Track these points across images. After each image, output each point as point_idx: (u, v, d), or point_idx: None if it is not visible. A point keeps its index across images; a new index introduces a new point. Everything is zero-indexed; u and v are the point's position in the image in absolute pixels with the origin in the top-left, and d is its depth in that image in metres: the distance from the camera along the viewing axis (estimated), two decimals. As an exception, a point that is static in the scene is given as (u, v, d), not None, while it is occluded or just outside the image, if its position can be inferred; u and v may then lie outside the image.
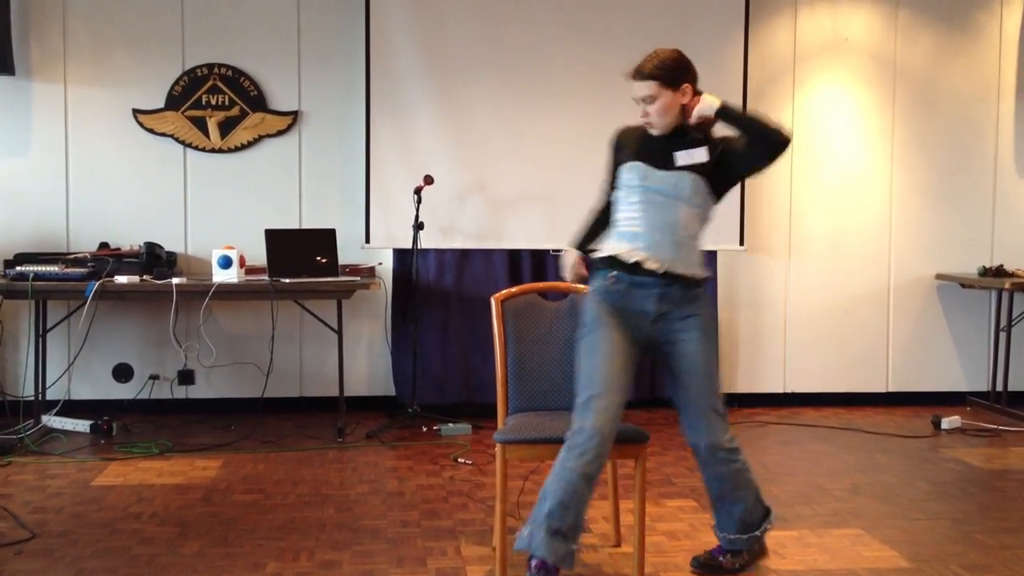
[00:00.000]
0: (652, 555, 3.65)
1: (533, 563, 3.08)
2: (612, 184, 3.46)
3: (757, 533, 3.43)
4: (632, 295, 3.30)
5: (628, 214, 3.33)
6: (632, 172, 3.34)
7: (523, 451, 3.38)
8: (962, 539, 3.90)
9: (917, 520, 4.14)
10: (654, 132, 3.35)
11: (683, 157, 3.30)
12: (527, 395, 3.63)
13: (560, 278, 3.67)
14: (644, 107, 3.32)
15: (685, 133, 3.34)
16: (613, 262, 3.32)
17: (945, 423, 5.89)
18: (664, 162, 3.30)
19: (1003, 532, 3.98)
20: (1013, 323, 6.31)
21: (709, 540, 3.83)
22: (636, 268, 3.28)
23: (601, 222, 3.51)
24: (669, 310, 3.31)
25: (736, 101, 6.27)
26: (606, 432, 3.10)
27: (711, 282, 6.38)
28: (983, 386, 6.69)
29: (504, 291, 3.72)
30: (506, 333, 3.62)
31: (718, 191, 3.36)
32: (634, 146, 3.39)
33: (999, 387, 6.40)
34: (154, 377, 6.10)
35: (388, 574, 3.46)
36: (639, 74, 3.31)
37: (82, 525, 3.97)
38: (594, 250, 3.45)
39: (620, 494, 3.84)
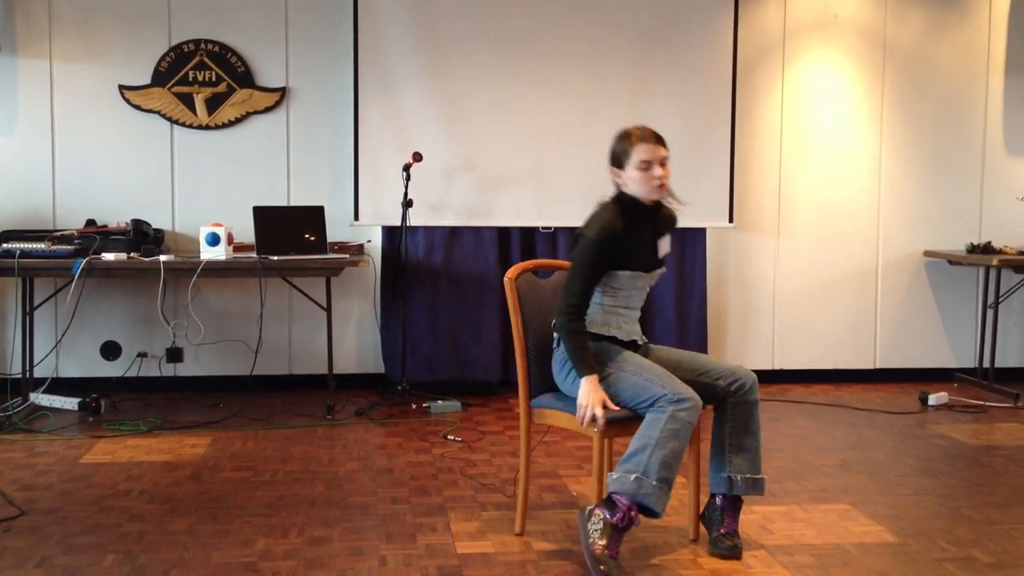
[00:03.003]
0: (641, 530, 3.65)
1: (617, 511, 3.22)
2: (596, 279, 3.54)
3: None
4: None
5: (620, 302, 3.57)
6: (622, 278, 3.51)
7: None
8: (949, 514, 3.92)
9: (904, 496, 4.16)
10: (652, 197, 3.49)
11: (662, 247, 3.60)
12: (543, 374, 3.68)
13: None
14: (658, 170, 3.45)
15: (657, 212, 3.59)
16: (613, 340, 3.55)
17: (932, 399, 5.92)
18: (651, 263, 3.56)
19: (990, 507, 4.01)
20: (1000, 300, 6.33)
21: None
22: (631, 345, 3.60)
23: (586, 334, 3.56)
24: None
25: (726, 78, 6.28)
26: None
27: (699, 260, 6.40)
28: (970, 363, 6.72)
29: (515, 267, 3.68)
30: (522, 311, 3.60)
31: None
32: (626, 254, 3.49)
33: (986, 363, 6.42)
34: (142, 355, 6.08)
35: (378, 550, 3.47)
36: (655, 137, 3.49)
37: (71, 502, 3.97)
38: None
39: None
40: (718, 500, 3.53)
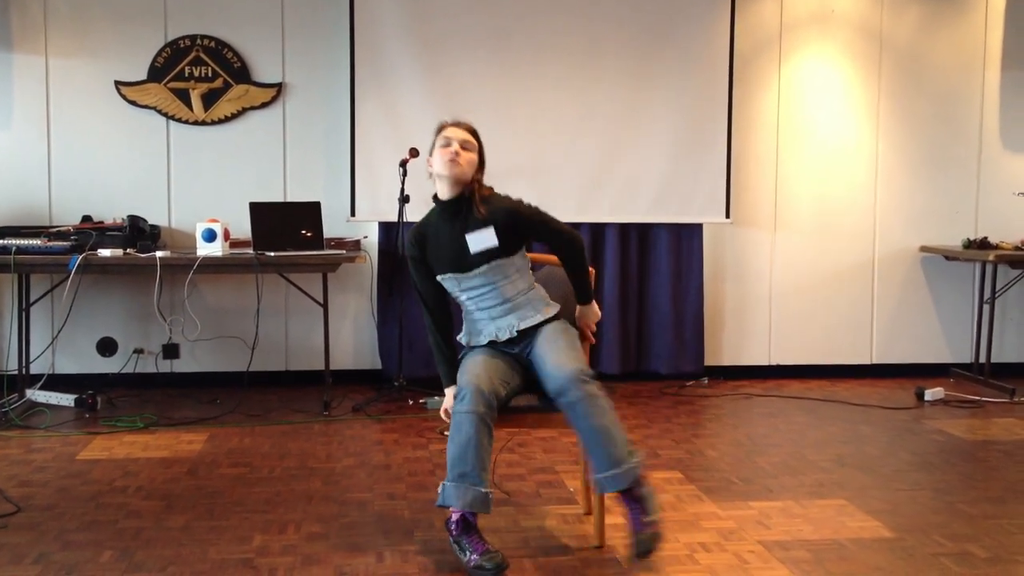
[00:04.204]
0: (638, 526, 3.68)
1: (449, 523, 3.29)
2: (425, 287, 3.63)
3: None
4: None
5: (471, 306, 3.56)
6: (447, 282, 3.54)
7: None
8: (945, 509, 3.93)
9: (900, 491, 4.17)
10: (449, 176, 3.46)
11: (474, 242, 3.46)
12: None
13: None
14: (455, 145, 3.48)
15: (472, 204, 3.49)
16: (474, 348, 3.56)
17: (928, 395, 5.93)
18: (464, 261, 3.47)
19: (985, 502, 4.02)
20: (997, 295, 6.34)
21: (696, 511, 3.86)
22: (493, 344, 3.54)
23: (452, 344, 3.61)
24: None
25: (723, 73, 6.28)
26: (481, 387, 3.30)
27: (696, 256, 6.40)
28: (966, 358, 6.73)
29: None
30: None
31: (521, 244, 3.58)
32: (435, 254, 3.53)
33: (982, 359, 6.43)
34: (138, 351, 6.08)
35: (375, 546, 3.47)
36: (463, 124, 3.57)
37: (67, 499, 3.97)
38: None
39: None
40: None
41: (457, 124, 3.56)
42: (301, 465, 4.49)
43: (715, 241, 6.50)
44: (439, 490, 3.28)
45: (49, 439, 4.90)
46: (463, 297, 3.55)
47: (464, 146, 3.49)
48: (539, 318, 3.51)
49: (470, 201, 3.49)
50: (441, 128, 3.56)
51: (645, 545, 3.22)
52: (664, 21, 6.21)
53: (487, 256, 3.46)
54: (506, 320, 3.51)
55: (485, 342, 3.54)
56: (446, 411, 3.47)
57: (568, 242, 3.55)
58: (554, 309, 3.58)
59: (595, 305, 3.66)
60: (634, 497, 3.25)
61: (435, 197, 3.57)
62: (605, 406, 3.26)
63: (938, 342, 6.76)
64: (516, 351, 3.52)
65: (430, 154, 3.56)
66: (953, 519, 3.81)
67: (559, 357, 3.33)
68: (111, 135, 6.03)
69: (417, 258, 3.58)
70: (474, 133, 3.57)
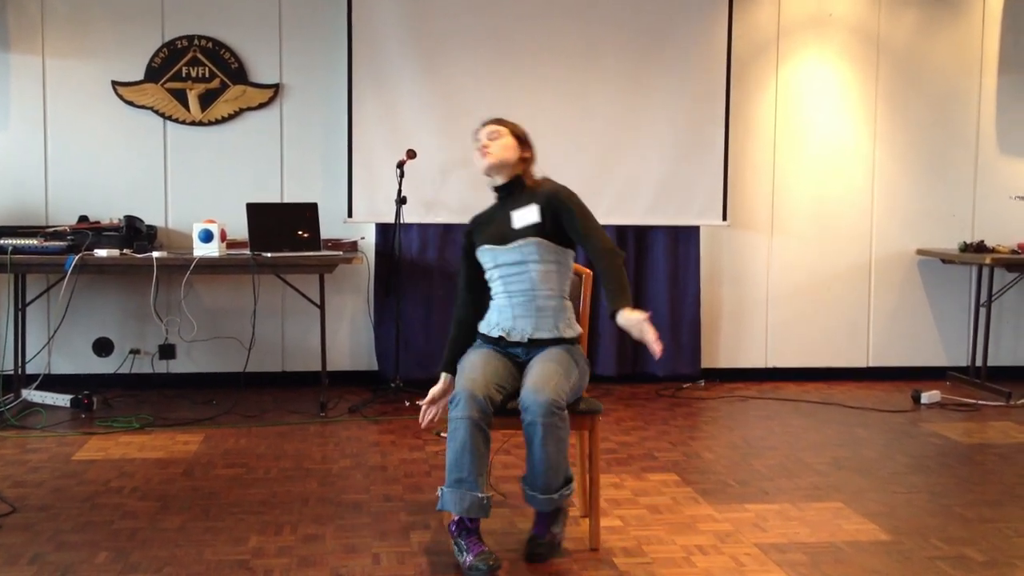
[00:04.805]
0: (634, 528, 3.68)
1: (452, 522, 3.33)
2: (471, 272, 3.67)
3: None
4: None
5: (494, 289, 3.58)
6: (484, 255, 3.58)
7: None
8: (941, 512, 3.93)
9: (897, 493, 4.17)
10: (486, 169, 3.59)
11: (518, 218, 3.52)
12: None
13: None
14: (483, 138, 3.60)
15: (521, 188, 3.59)
16: (484, 338, 3.58)
17: (925, 398, 5.93)
18: (506, 234, 3.51)
19: (982, 505, 4.02)
20: (993, 298, 6.34)
21: (692, 513, 3.86)
22: (502, 341, 3.53)
23: (466, 334, 3.64)
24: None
25: (720, 75, 6.28)
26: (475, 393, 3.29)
27: (693, 258, 6.40)
28: (963, 361, 6.73)
29: None
30: None
31: (566, 243, 3.55)
32: (481, 230, 3.62)
33: (978, 362, 6.44)
34: (135, 351, 6.07)
35: (371, 548, 3.46)
36: (492, 120, 3.67)
37: (63, 499, 3.96)
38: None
39: (602, 468, 3.85)
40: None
41: (488, 121, 3.66)
42: (297, 466, 4.48)
43: (712, 244, 6.50)
44: (438, 494, 3.30)
45: (45, 439, 4.89)
46: (495, 275, 3.54)
47: (491, 136, 3.58)
48: (554, 335, 3.49)
49: (519, 184, 3.60)
50: (477, 131, 3.67)
51: (542, 549, 3.38)
52: (662, 23, 6.21)
53: (527, 231, 3.47)
54: (523, 321, 3.49)
55: (496, 335, 3.52)
56: (431, 400, 3.57)
57: (603, 252, 3.40)
58: (573, 332, 3.55)
59: (629, 311, 3.23)
60: (544, 513, 3.43)
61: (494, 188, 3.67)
62: (561, 440, 3.26)
63: (934, 345, 6.77)
64: (518, 353, 3.52)
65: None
66: (949, 522, 3.81)
67: (540, 379, 3.27)
68: (108, 135, 6.02)
69: (467, 247, 3.66)
70: (502, 122, 3.64)
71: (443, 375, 3.62)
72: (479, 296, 3.63)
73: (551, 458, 3.25)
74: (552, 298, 3.50)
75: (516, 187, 3.60)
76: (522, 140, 3.63)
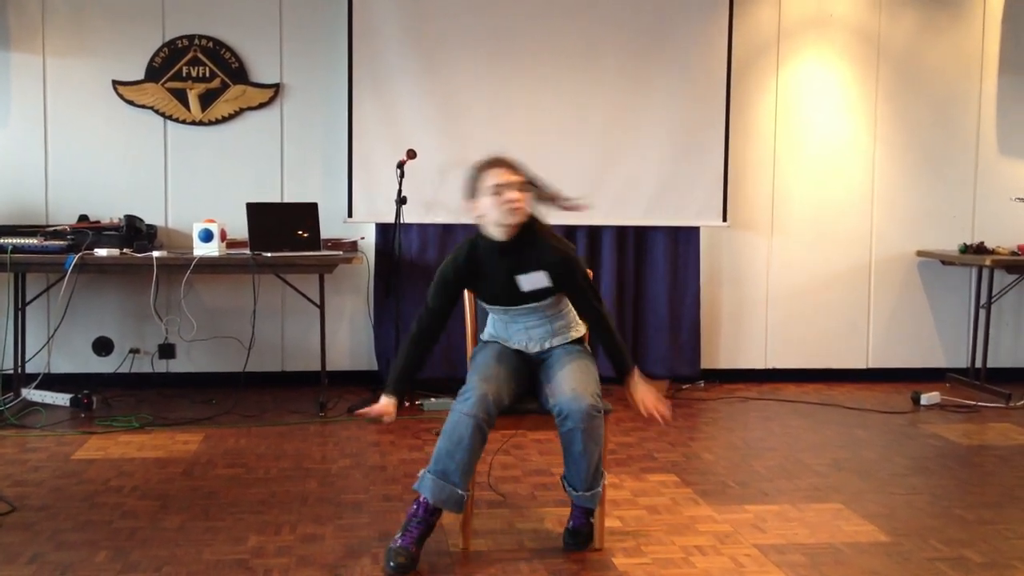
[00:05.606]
0: (633, 528, 3.68)
1: (419, 500, 3.35)
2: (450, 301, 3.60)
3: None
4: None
5: (505, 319, 3.61)
6: (497, 312, 3.59)
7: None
8: (941, 514, 3.93)
9: (896, 495, 4.17)
10: (510, 225, 3.39)
11: (526, 283, 3.45)
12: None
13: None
14: (512, 193, 3.38)
15: (526, 245, 3.45)
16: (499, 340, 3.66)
17: (925, 399, 5.93)
18: (513, 297, 3.48)
19: (981, 507, 4.02)
20: (993, 300, 6.34)
21: (691, 514, 3.86)
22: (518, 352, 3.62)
23: (420, 356, 3.59)
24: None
25: (720, 76, 6.28)
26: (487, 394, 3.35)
27: (692, 259, 6.39)
28: (963, 363, 6.73)
29: None
30: None
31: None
32: (479, 286, 3.55)
33: (978, 364, 6.44)
34: (134, 351, 6.07)
35: (371, 547, 3.46)
36: (508, 164, 3.48)
37: (62, 498, 3.96)
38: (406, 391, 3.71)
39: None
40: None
41: (499, 164, 3.46)
42: (297, 466, 4.48)
43: (712, 245, 6.50)
44: (419, 474, 3.35)
45: (44, 439, 4.89)
46: (508, 319, 3.59)
47: (520, 188, 3.41)
48: (572, 336, 3.62)
49: (527, 237, 3.44)
50: (481, 171, 3.46)
51: (582, 539, 3.48)
52: (662, 24, 6.21)
53: (539, 295, 3.49)
54: (539, 332, 3.58)
55: (514, 347, 3.61)
56: (374, 413, 3.50)
57: (597, 320, 3.53)
58: (579, 333, 3.66)
59: (639, 378, 3.57)
60: (582, 509, 3.52)
61: (480, 234, 3.49)
62: (600, 440, 3.36)
63: (934, 347, 6.77)
64: (533, 354, 3.60)
65: (471, 197, 3.46)
66: (949, 524, 3.81)
67: (577, 385, 3.35)
68: (108, 135, 6.02)
69: (450, 282, 3.52)
70: (513, 168, 3.47)
71: (389, 399, 3.51)
72: (444, 323, 3.57)
73: (593, 459, 3.35)
74: (559, 316, 3.61)
75: (523, 241, 3.44)
76: (531, 182, 3.55)
